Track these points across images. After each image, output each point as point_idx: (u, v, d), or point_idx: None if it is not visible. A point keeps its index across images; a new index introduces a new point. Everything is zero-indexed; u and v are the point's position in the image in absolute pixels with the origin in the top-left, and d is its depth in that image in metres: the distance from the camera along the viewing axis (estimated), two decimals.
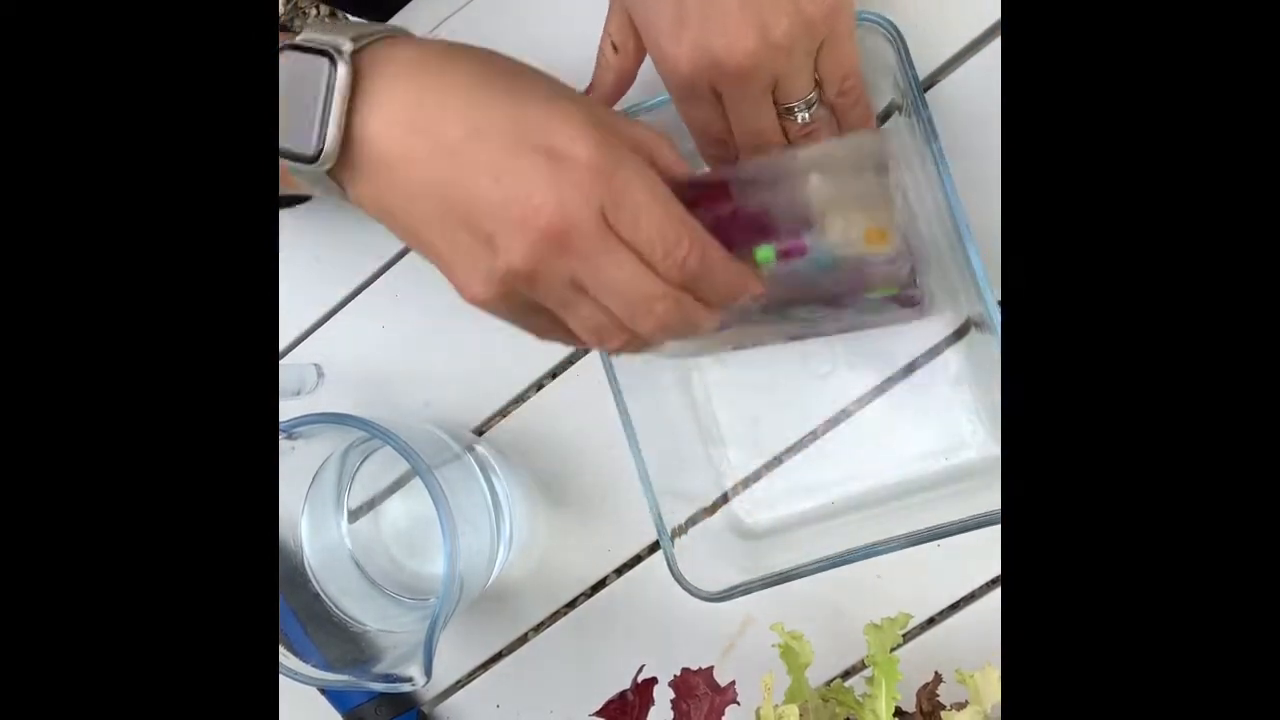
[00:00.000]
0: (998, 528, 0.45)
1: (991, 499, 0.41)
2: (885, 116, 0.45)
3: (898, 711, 0.41)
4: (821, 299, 0.40)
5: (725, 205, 0.36)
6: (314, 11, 1.23)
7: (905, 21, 0.40)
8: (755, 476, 0.49)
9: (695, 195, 0.34)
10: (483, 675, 0.53)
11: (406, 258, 0.54)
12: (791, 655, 0.41)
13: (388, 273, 0.54)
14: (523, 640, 0.53)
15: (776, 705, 0.40)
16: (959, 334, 0.46)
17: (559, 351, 0.52)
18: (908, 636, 0.47)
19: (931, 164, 0.40)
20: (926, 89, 0.46)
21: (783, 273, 0.37)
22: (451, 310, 0.53)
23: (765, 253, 0.37)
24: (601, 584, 0.51)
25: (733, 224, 0.36)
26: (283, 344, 0.56)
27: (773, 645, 0.42)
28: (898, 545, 0.41)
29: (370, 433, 0.42)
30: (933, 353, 0.46)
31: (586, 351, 0.52)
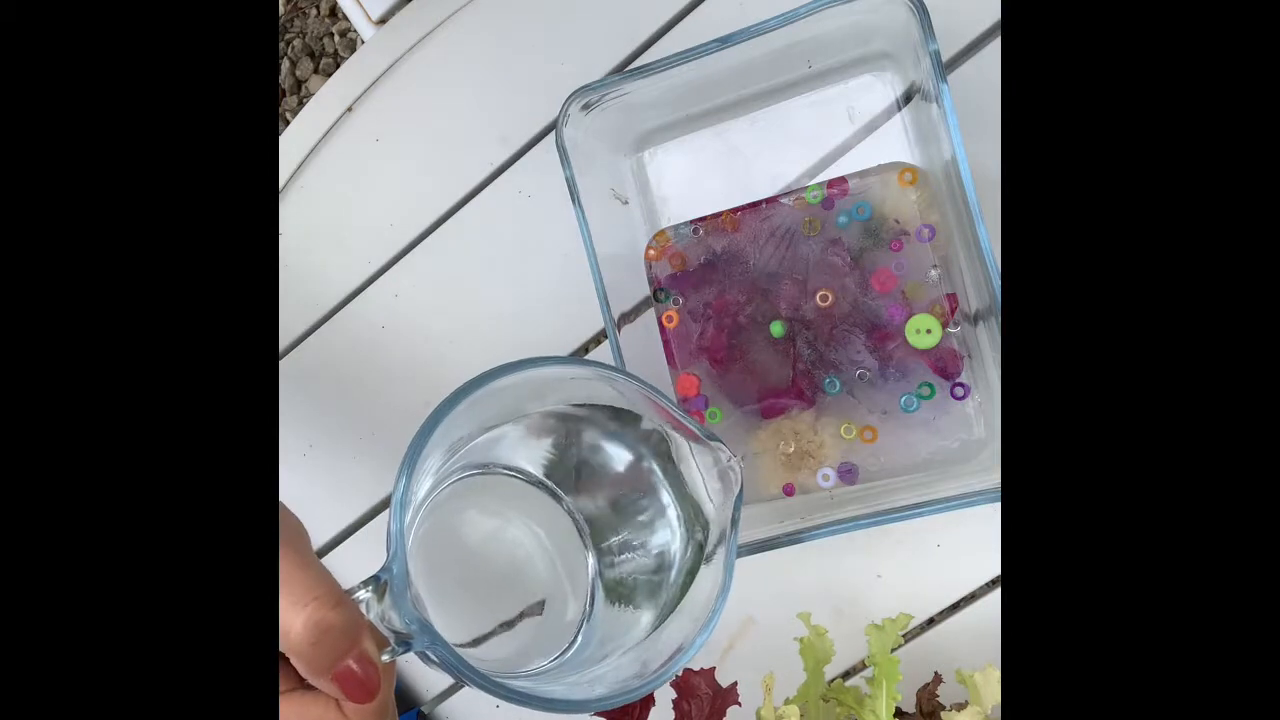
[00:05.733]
0: (997, 525, 0.45)
1: (992, 480, 0.41)
2: (907, 98, 0.45)
3: (898, 711, 0.41)
4: (863, 325, 0.43)
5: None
6: (314, 11, 1.23)
7: (930, 2, 0.40)
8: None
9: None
10: None
11: (405, 259, 0.54)
12: (811, 650, 0.41)
13: (386, 273, 0.55)
14: None
15: (776, 706, 0.40)
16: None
17: (558, 351, 0.52)
18: (908, 636, 0.47)
19: (947, 141, 0.40)
20: (949, 70, 0.46)
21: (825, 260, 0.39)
22: (450, 310, 0.54)
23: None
24: None
25: None
26: (282, 344, 0.56)
27: (795, 639, 0.42)
28: (896, 516, 0.40)
29: (606, 371, 0.34)
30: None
31: (586, 351, 0.52)
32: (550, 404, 0.37)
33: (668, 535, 0.37)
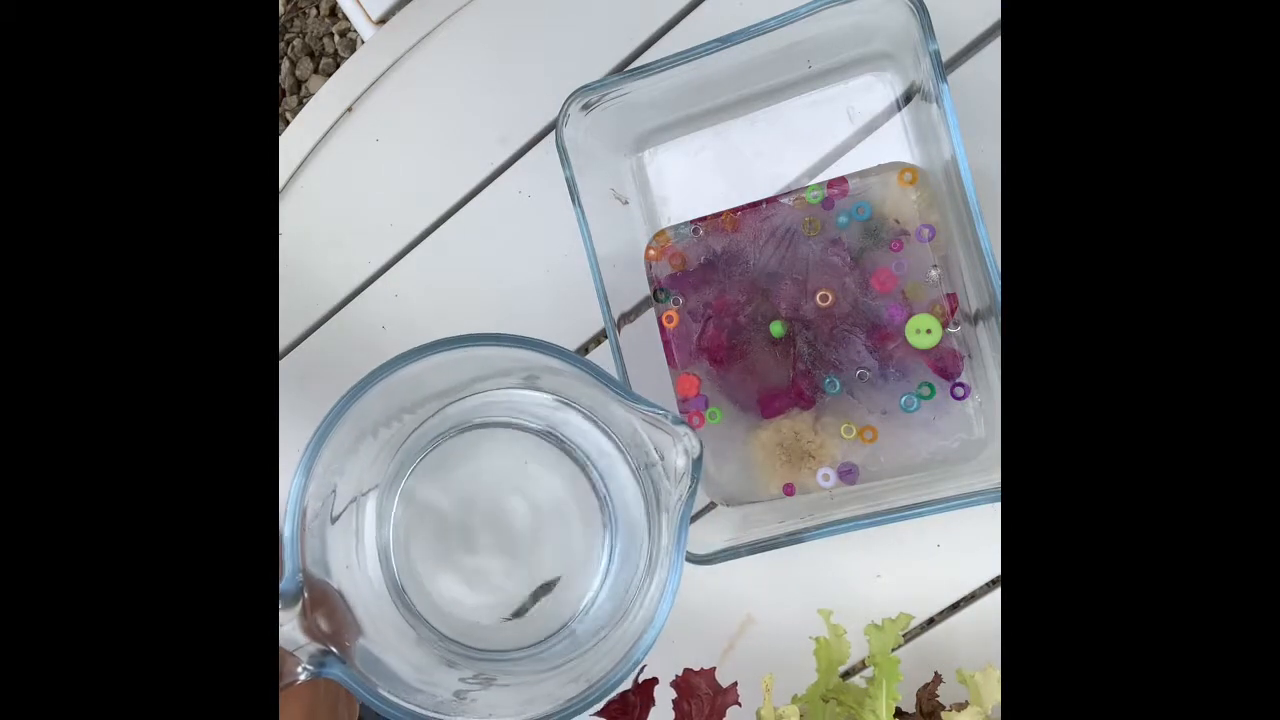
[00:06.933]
0: (997, 525, 0.45)
1: (992, 480, 0.41)
2: (907, 98, 0.45)
3: (898, 711, 0.41)
4: (863, 325, 0.44)
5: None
6: (314, 11, 1.23)
7: (930, 2, 0.40)
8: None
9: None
10: None
11: (405, 259, 0.54)
12: (826, 650, 0.41)
13: (386, 273, 0.55)
14: None
15: (776, 706, 0.40)
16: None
17: None
18: (908, 636, 0.47)
19: (947, 141, 0.40)
20: (949, 70, 0.46)
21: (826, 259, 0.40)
22: (450, 310, 0.54)
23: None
24: None
25: None
26: (282, 344, 0.56)
27: (810, 637, 0.42)
28: (896, 516, 0.40)
29: (563, 360, 0.31)
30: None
31: (586, 351, 0.52)
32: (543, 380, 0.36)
33: (643, 515, 0.36)
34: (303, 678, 0.28)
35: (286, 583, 0.28)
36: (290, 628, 0.28)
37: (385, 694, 0.28)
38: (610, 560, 0.36)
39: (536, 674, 0.34)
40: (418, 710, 0.29)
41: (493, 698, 0.32)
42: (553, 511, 0.37)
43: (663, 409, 0.32)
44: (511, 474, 0.38)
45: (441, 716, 0.29)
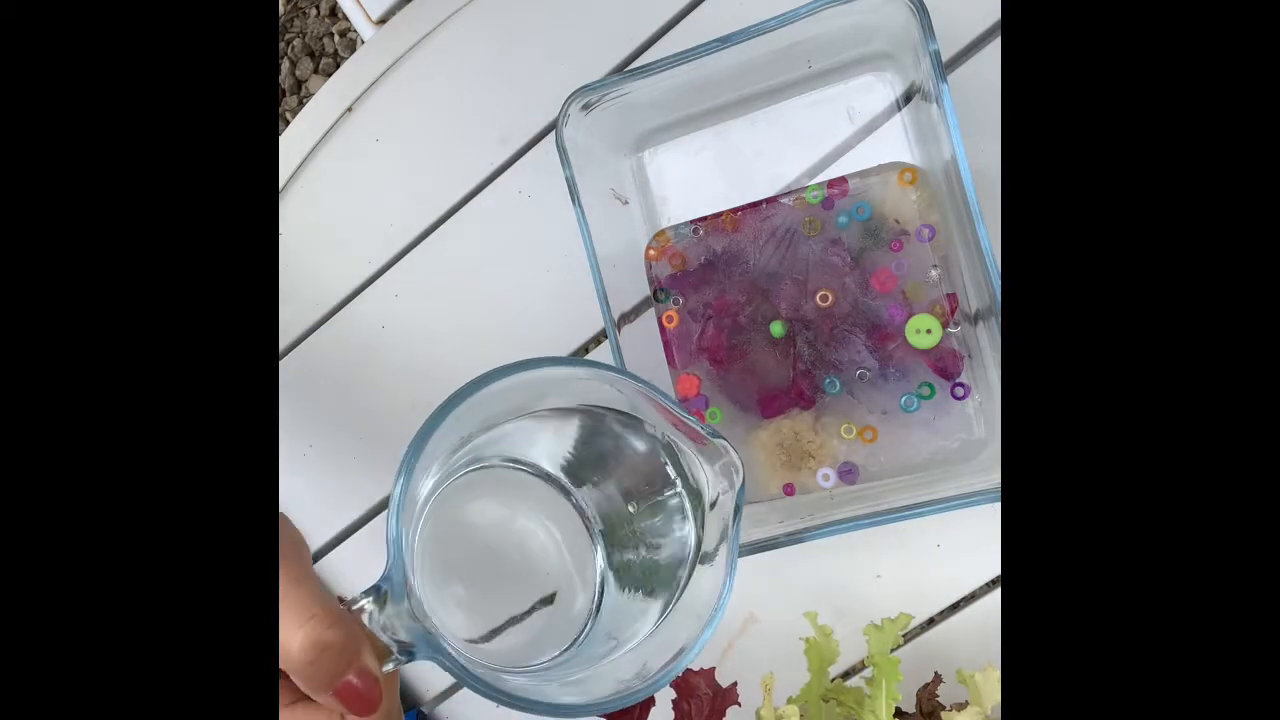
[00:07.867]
0: (997, 525, 0.45)
1: (992, 480, 0.40)
2: (907, 98, 0.45)
3: (898, 711, 0.41)
4: (863, 325, 0.44)
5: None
6: (314, 11, 1.23)
7: (930, 2, 0.40)
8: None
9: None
10: None
11: (405, 259, 0.54)
12: (816, 650, 0.41)
13: (386, 273, 0.55)
14: None
15: (777, 706, 0.40)
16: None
17: (558, 351, 0.52)
18: (908, 636, 0.47)
19: (947, 141, 0.40)
20: (949, 70, 0.46)
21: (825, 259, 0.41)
22: (450, 310, 0.54)
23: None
24: None
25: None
26: (282, 345, 0.56)
27: (800, 638, 0.42)
28: (896, 516, 0.40)
29: (635, 381, 0.34)
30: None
31: (586, 351, 0.52)
32: (554, 402, 0.37)
33: (674, 530, 0.37)
34: (389, 668, 0.29)
35: (395, 571, 0.29)
36: (403, 615, 0.28)
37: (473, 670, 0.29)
38: (607, 575, 0.37)
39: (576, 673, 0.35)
40: (509, 691, 0.29)
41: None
42: (535, 539, 0.38)
43: (708, 426, 0.34)
44: (488, 508, 0.38)
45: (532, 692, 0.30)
